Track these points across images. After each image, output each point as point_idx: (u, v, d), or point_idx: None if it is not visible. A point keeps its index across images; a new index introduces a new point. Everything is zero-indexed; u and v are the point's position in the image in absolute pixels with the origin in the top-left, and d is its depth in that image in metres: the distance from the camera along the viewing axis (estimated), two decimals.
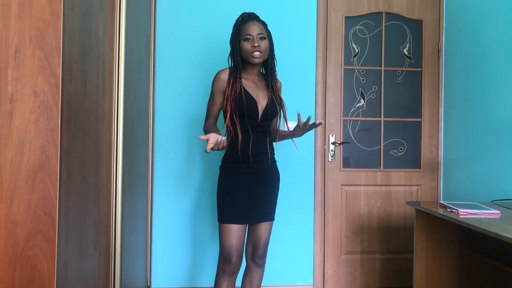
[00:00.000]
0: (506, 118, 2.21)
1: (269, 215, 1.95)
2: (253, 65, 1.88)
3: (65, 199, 1.16)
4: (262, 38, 1.85)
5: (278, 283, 2.68)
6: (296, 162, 2.72)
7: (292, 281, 2.70)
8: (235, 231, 1.84)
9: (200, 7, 2.66)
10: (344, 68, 2.78)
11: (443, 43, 2.84)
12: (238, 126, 1.84)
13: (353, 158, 2.82)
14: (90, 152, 1.38)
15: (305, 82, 2.73)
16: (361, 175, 2.78)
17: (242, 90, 1.84)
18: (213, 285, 2.27)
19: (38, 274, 1.09)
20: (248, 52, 1.83)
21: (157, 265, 2.60)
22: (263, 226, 1.94)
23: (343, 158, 2.78)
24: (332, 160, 2.75)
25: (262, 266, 2.01)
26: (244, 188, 1.86)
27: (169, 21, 2.62)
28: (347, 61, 2.80)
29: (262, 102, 1.89)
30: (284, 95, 2.67)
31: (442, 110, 2.84)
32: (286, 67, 2.71)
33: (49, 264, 1.09)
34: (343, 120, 2.78)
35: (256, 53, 1.82)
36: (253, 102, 1.85)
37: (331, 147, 2.75)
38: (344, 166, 2.78)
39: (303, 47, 2.73)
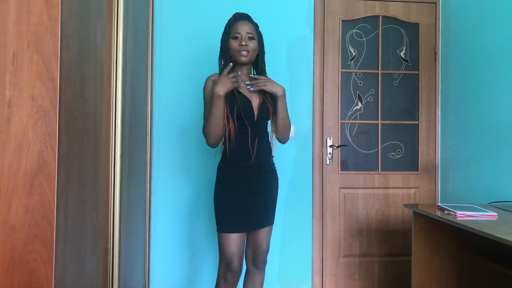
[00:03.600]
0: (502, 120, 2.22)
1: (268, 220, 1.92)
2: (241, 65, 1.87)
3: (63, 203, 1.16)
4: (250, 38, 1.83)
5: (277, 287, 2.68)
6: (294, 165, 2.72)
7: (291, 284, 2.69)
8: (235, 239, 1.80)
9: (198, 11, 2.67)
10: (341, 72, 2.79)
11: (440, 46, 2.85)
12: (233, 127, 1.79)
13: (351, 161, 2.82)
14: (88, 156, 1.38)
15: (302, 85, 2.74)
16: (359, 178, 2.79)
17: (234, 90, 1.81)
18: None
19: (36, 279, 1.08)
20: (235, 50, 1.82)
21: (156, 269, 2.60)
22: (262, 233, 1.90)
23: (341, 161, 2.79)
24: (330, 163, 2.75)
25: (263, 269, 2.00)
26: (241, 196, 1.82)
27: (167, 25, 2.63)
28: (344, 64, 2.81)
29: (255, 101, 1.86)
30: None
31: (439, 112, 2.85)
32: (283, 70, 2.72)
33: (47, 268, 1.09)
34: (341, 123, 2.79)
35: (243, 52, 1.81)
36: (247, 101, 1.83)
37: (329, 150, 2.75)
38: (342, 169, 2.79)
39: (300, 51, 2.74)
